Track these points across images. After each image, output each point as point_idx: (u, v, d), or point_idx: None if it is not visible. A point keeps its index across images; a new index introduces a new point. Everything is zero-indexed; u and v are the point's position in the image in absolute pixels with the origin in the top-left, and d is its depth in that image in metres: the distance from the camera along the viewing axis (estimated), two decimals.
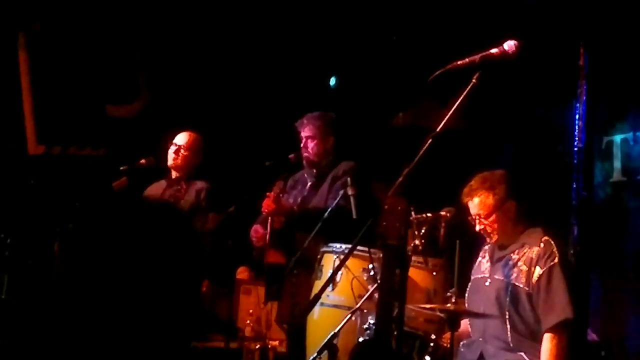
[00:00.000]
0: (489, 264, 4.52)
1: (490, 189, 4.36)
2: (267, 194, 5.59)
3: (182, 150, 6.07)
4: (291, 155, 5.89)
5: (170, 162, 6.09)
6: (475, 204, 4.40)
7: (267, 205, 5.56)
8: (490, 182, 4.39)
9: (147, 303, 1.64)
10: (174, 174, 6.13)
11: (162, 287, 1.65)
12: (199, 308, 1.71)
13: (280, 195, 5.61)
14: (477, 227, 4.42)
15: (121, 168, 6.08)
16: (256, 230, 5.80)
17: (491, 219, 4.37)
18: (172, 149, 6.09)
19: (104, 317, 1.61)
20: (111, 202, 1.77)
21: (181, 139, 6.13)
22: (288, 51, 7.85)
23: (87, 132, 7.66)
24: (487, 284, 4.44)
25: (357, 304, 4.52)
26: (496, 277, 4.39)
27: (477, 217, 4.39)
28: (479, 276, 4.54)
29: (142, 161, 6.14)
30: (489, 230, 4.41)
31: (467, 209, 4.44)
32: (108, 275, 1.64)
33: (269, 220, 5.62)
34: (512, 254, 4.37)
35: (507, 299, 4.26)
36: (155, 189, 6.17)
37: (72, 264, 1.68)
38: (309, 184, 5.88)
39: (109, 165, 6.66)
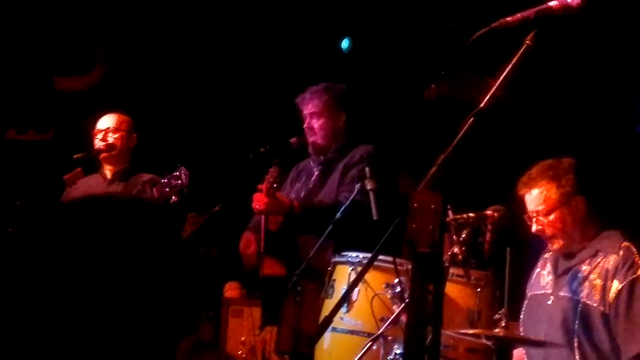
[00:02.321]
0: (551, 277, 4.52)
1: (555, 179, 4.37)
2: (259, 186, 5.57)
3: (110, 135, 6.07)
4: (293, 139, 5.89)
5: (103, 153, 6.07)
6: (534, 197, 4.40)
7: (258, 200, 5.54)
8: (555, 171, 4.39)
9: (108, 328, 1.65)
10: (108, 171, 6.11)
11: (132, 312, 1.66)
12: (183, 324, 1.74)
13: (275, 185, 5.57)
14: (534, 228, 4.42)
15: (74, 156, 6.09)
16: (247, 242, 5.80)
17: (552, 217, 4.37)
18: (98, 136, 6.09)
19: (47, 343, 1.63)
20: (62, 201, 1.78)
21: (106, 122, 6.14)
22: (285, 4, 7.85)
23: (31, 110, 7.68)
24: (549, 302, 4.44)
25: (379, 330, 4.53)
26: (561, 293, 4.39)
27: (535, 215, 4.40)
28: (539, 292, 4.54)
29: (101, 147, 6.15)
30: (548, 232, 4.41)
31: (523, 204, 4.44)
32: (56, 291, 1.65)
33: (263, 221, 5.62)
34: (581, 265, 4.37)
35: (577, 322, 4.26)
36: (90, 187, 6.12)
37: (11, 278, 1.70)
38: (316, 173, 5.89)
39: (58, 152, 6.67)
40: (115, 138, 6.08)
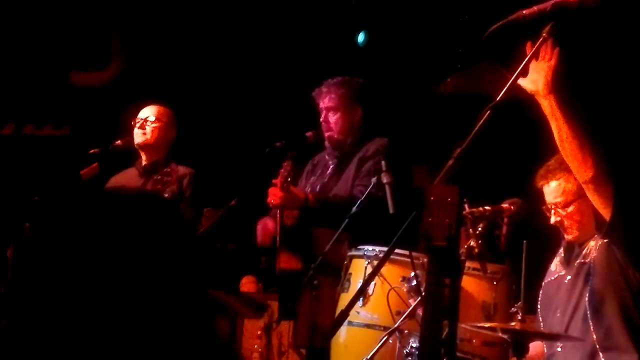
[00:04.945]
0: (559, 259, 4.51)
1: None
2: (274, 181, 5.56)
3: (149, 123, 6.08)
4: (309, 133, 5.89)
5: (138, 140, 6.08)
6: (552, 188, 4.38)
7: (273, 194, 5.54)
8: None
9: (126, 325, 1.64)
10: (144, 159, 6.13)
11: (149, 309, 1.65)
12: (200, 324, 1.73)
13: (289, 179, 5.56)
14: (552, 219, 4.40)
15: (91, 151, 6.10)
16: (265, 225, 5.79)
17: (570, 209, 4.35)
18: (137, 124, 6.10)
19: (67, 339, 1.62)
20: (79, 195, 1.77)
21: (147, 111, 6.15)
22: None
23: (47, 106, 7.68)
24: (566, 281, 4.41)
25: (395, 323, 4.53)
26: (576, 266, 4.37)
27: (553, 206, 4.38)
28: (552, 278, 4.52)
29: (118, 142, 6.16)
30: (566, 224, 4.38)
31: (541, 195, 4.42)
32: (74, 289, 1.64)
33: (278, 215, 5.61)
34: (588, 250, 4.36)
35: (589, 283, 4.24)
36: (125, 179, 6.15)
37: (30, 273, 1.68)
38: (331, 167, 5.88)
39: (75, 147, 6.68)
40: (153, 127, 6.09)
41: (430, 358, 2.89)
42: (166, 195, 5.46)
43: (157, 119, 6.10)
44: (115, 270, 1.64)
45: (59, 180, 6.55)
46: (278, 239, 5.61)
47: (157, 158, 6.11)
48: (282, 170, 5.55)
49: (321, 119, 5.85)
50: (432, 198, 2.86)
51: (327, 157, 5.96)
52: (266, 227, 5.78)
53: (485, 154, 3.18)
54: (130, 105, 6.34)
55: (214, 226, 5.80)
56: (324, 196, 5.67)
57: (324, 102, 5.84)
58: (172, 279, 1.70)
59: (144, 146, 6.10)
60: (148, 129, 6.08)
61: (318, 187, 5.85)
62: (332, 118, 5.81)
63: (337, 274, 5.20)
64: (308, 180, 5.97)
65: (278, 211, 5.61)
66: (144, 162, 6.14)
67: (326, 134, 5.85)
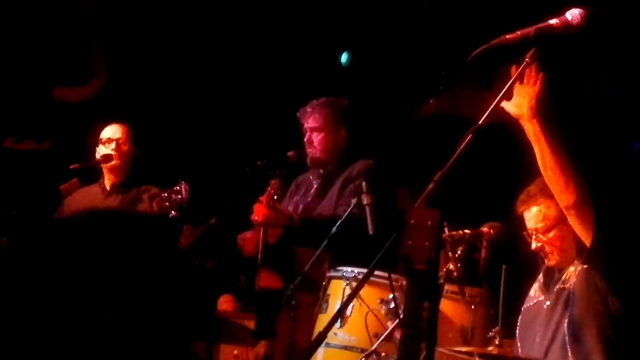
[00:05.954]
0: (538, 284, 4.51)
1: (553, 197, 4.35)
2: (260, 198, 5.55)
3: (122, 143, 6.04)
4: (290, 153, 5.88)
5: (112, 162, 6.02)
6: (533, 214, 4.38)
7: (258, 211, 5.53)
8: None
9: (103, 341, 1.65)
10: (109, 178, 6.09)
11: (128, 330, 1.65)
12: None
13: (276, 197, 5.56)
14: (533, 245, 4.40)
15: (71, 167, 6.07)
16: (244, 236, 5.79)
17: (551, 234, 4.35)
18: (108, 146, 6.04)
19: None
20: (59, 211, 1.77)
21: (115, 132, 6.11)
22: (284, 18, 7.85)
23: (29, 120, 7.67)
24: (545, 306, 4.41)
25: (372, 346, 4.52)
26: (554, 292, 4.38)
27: (534, 232, 4.38)
28: (532, 304, 4.52)
29: (99, 158, 6.12)
30: (547, 250, 4.38)
31: (522, 221, 4.42)
32: (53, 308, 1.64)
33: (261, 233, 5.60)
34: (567, 275, 4.36)
35: (568, 309, 4.24)
36: (87, 198, 6.07)
37: (6, 289, 1.69)
38: (315, 186, 5.89)
39: (55, 162, 6.66)
40: (126, 148, 6.05)
41: None
42: (173, 213, 5.45)
43: (127, 140, 6.07)
44: (90, 285, 1.65)
45: (38, 195, 6.53)
46: (259, 256, 5.60)
47: (123, 178, 6.08)
48: (269, 188, 5.54)
49: (305, 139, 5.86)
50: (412, 221, 2.85)
51: (310, 177, 5.97)
52: (246, 237, 5.79)
53: (466, 177, 3.19)
54: (109, 119, 6.31)
55: (193, 244, 5.78)
56: (307, 215, 5.67)
57: (308, 123, 5.85)
58: (150, 294, 1.70)
59: (117, 168, 6.05)
60: (121, 150, 6.03)
61: (301, 206, 5.85)
62: (316, 138, 5.82)
63: (317, 294, 5.19)
64: (291, 200, 5.97)
65: (262, 229, 5.61)
66: (109, 181, 6.08)
67: (310, 154, 5.86)
